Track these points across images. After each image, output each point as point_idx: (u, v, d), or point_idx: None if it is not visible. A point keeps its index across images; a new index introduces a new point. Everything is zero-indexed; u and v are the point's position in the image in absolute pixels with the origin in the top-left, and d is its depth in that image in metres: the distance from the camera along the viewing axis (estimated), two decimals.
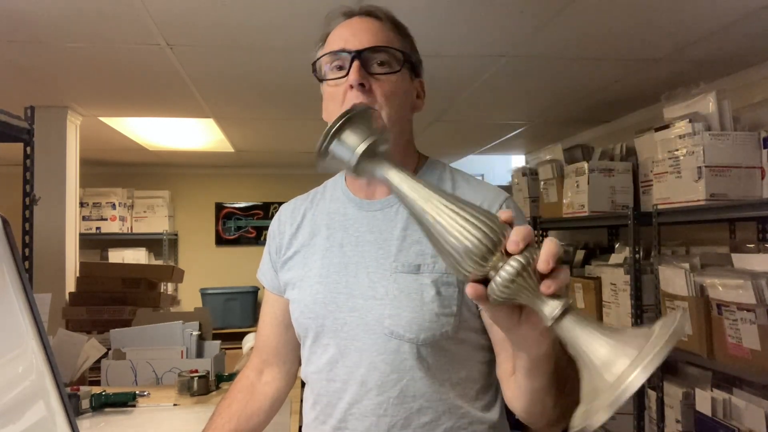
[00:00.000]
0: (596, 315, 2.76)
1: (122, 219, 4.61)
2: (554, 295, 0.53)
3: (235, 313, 4.74)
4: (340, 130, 0.62)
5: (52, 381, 0.60)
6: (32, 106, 2.21)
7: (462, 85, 2.64)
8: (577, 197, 2.86)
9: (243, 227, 5.35)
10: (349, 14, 0.93)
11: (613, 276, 2.67)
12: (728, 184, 2.04)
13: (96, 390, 1.80)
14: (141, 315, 2.53)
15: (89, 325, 2.74)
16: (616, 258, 2.91)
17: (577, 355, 0.52)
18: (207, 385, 1.93)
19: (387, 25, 0.93)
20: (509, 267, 0.53)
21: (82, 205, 4.34)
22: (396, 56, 0.90)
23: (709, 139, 2.05)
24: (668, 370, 2.47)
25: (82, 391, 1.70)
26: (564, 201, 3.01)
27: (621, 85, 2.66)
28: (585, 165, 2.78)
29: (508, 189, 3.54)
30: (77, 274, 3.05)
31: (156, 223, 4.77)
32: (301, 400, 1.02)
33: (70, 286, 2.99)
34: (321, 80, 0.94)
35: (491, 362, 0.92)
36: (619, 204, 2.75)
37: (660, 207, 2.32)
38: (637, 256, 2.49)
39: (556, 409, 0.75)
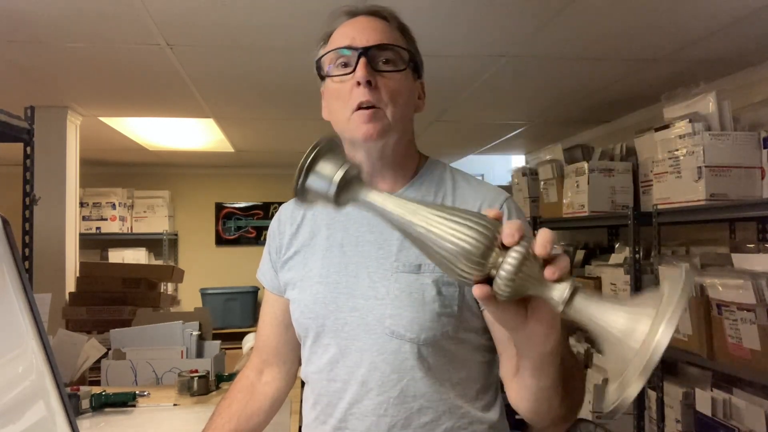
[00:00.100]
0: None
1: (122, 219, 4.61)
2: (559, 280, 0.53)
3: (235, 313, 4.74)
4: (313, 163, 0.61)
5: (52, 381, 0.60)
6: (32, 106, 2.21)
7: (462, 85, 2.64)
8: (577, 197, 2.86)
9: (243, 227, 5.35)
10: (353, 13, 0.93)
11: (613, 276, 2.67)
12: (728, 184, 2.04)
13: (96, 390, 1.80)
14: (141, 315, 2.53)
15: (89, 325, 2.73)
16: (616, 258, 2.91)
17: (595, 332, 0.51)
18: (207, 385, 1.93)
19: (393, 24, 0.93)
20: (510, 259, 0.53)
21: (82, 205, 4.34)
22: (402, 55, 0.90)
23: (709, 139, 2.05)
24: (668, 370, 2.47)
25: (82, 391, 1.70)
26: (564, 201, 3.01)
27: (621, 85, 2.67)
28: (585, 165, 2.78)
29: (508, 189, 3.54)
30: (77, 274, 3.05)
31: (156, 223, 4.77)
32: (301, 400, 1.02)
33: (70, 286, 2.99)
34: (324, 77, 0.93)
35: (491, 362, 0.92)
36: (619, 204, 2.75)
37: (660, 207, 2.32)
38: (637, 256, 2.49)
39: (563, 407, 0.75)
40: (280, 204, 1.11)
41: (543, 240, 0.54)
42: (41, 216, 2.56)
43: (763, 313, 1.80)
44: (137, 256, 4.64)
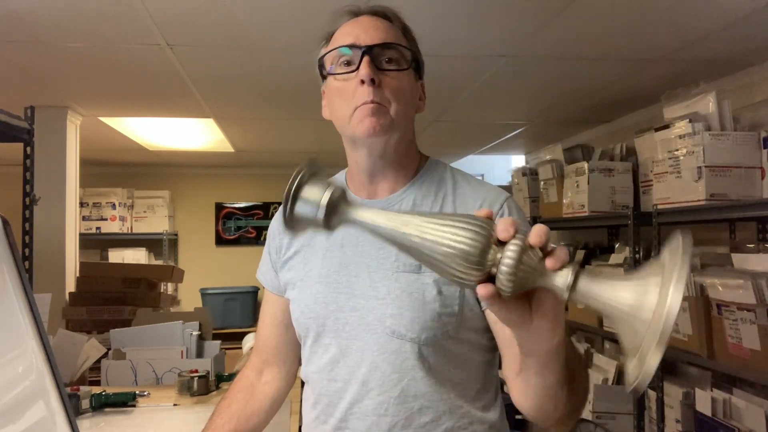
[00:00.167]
0: (596, 315, 2.77)
1: (122, 219, 4.61)
2: (561, 269, 0.53)
3: (235, 313, 4.74)
4: (299, 189, 0.61)
5: (52, 381, 0.60)
6: (32, 106, 2.21)
7: (462, 85, 2.64)
8: (577, 197, 2.86)
9: (243, 227, 5.35)
10: (356, 13, 0.93)
11: None
12: (728, 184, 2.04)
13: (96, 390, 1.80)
14: (141, 315, 2.53)
15: (89, 325, 2.74)
16: (616, 258, 2.91)
17: (605, 312, 0.51)
18: (207, 385, 1.93)
19: (396, 24, 0.93)
20: (509, 252, 0.53)
21: (82, 205, 4.34)
22: (405, 54, 0.90)
23: (709, 139, 2.05)
24: (668, 370, 2.47)
25: (82, 391, 1.70)
26: (564, 201, 3.01)
27: (621, 85, 2.67)
28: (585, 165, 2.78)
29: (508, 189, 3.55)
30: (77, 274, 3.05)
31: (156, 223, 4.77)
32: (301, 400, 1.02)
33: (70, 286, 2.99)
34: (325, 76, 0.93)
35: (491, 362, 0.92)
36: (619, 204, 2.75)
37: (660, 207, 2.32)
38: (637, 256, 2.50)
39: (567, 405, 0.75)
40: (280, 204, 1.11)
41: (538, 230, 0.54)
42: (41, 216, 2.56)
43: (763, 313, 1.80)
44: (137, 256, 4.64)
